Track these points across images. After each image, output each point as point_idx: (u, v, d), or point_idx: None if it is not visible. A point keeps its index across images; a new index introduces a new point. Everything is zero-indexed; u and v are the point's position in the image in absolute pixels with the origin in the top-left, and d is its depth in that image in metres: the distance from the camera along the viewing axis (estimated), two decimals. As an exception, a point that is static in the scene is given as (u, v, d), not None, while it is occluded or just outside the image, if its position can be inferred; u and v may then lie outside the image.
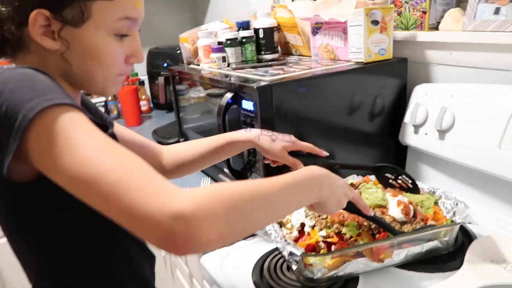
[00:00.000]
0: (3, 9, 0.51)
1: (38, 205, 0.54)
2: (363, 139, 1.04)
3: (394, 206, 0.74)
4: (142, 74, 2.07)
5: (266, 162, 0.84)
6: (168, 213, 0.39)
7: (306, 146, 0.80)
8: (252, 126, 0.90)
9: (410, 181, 0.77)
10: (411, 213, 0.74)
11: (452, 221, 0.74)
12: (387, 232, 0.71)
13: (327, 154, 0.81)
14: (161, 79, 1.88)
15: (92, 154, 0.42)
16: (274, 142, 0.78)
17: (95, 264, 0.59)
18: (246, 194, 0.45)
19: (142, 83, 2.03)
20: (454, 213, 0.75)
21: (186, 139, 1.32)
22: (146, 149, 0.83)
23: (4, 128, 0.44)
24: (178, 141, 1.35)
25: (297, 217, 0.76)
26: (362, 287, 0.69)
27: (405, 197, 0.77)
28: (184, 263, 1.14)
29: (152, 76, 2.00)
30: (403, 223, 0.72)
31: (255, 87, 0.85)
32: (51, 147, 0.43)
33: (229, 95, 0.94)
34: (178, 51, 1.86)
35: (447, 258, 0.74)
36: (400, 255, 0.71)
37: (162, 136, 1.40)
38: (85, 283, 0.59)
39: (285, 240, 0.70)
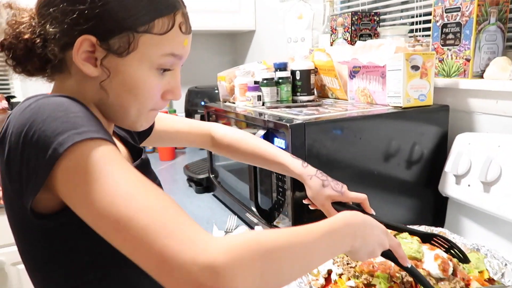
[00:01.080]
0: (51, 29, 0.50)
1: (64, 236, 0.52)
2: (399, 188, 0.98)
3: (431, 260, 0.68)
4: (180, 111, 2.13)
5: (306, 202, 0.80)
6: (201, 264, 0.36)
7: (356, 197, 0.76)
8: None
9: (461, 255, 0.68)
10: (450, 270, 0.67)
11: (501, 284, 0.66)
12: (423, 289, 0.64)
13: (374, 213, 0.76)
14: (197, 117, 1.93)
15: (122, 193, 0.40)
16: (324, 188, 0.75)
17: None
18: (284, 246, 0.42)
19: (178, 119, 2.09)
20: (502, 275, 0.67)
21: (217, 176, 1.31)
22: (194, 130, 0.88)
23: (34, 159, 0.43)
24: (208, 177, 1.34)
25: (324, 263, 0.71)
26: None
27: (444, 253, 0.70)
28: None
29: (189, 114, 2.05)
30: (439, 279, 0.65)
31: (288, 125, 0.83)
32: (79, 183, 0.41)
33: (261, 132, 0.93)
34: (216, 91, 1.91)
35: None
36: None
37: (193, 172, 1.40)
38: None
39: (310, 286, 0.65)
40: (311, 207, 0.80)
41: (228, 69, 1.29)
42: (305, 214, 0.87)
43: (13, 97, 1.96)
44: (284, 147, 0.86)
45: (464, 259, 0.68)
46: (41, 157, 0.42)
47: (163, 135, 0.86)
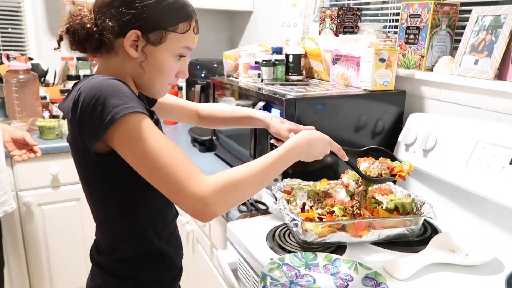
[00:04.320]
0: (110, 23, 0.72)
1: (113, 168, 0.75)
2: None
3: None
4: (181, 81, 2.36)
5: (271, 141, 1.06)
6: (197, 197, 0.64)
7: (308, 127, 0.98)
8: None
9: (390, 157, 1.01)
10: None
11: (416, 214, 0.97)
12: (365, 215, 0.95)
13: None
14: (197, 87, 2.16)
15: (156, 149, 0.66)
16: (283, 123, 0.98)
17: (143, 211, 0.83)
18: (247, 176, 0.71)
19: (180, 88, 2.33)
20: (420, 209, 0.98)
21: (218, 138, 1.58)
22: (183, 107, 1.10)
23: (97, 121, 0.66)
24: (211, 139, 1.62)
25: (301, 198, 1.01)
26: (347, 253, 0.92)
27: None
28: (207, 237, 1.39)
29: (189, 84, 2.28)
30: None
31: (283, 98, 1.11)
32: (128, 142, 0.66)
33: (261, 103, 1.20)
34: (215, 65, 2.15)
35: (417, 244, 0.97)
36: (374, 234, 0.94)
37: (198, 133, 1.67)
38: (136, 220, 0.83)
39: (291, 211, 0.94)
40: (277, 144, 1.04)
41: (233, 49, 1.54)
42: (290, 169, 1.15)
43: (31, 58, 2.15)
44: (279, 116, 1.14)
45: (392, 158, 1.00)
46: (103, 120, 0.65)
47: (163, 106, 1.06)
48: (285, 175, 1.15)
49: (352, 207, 0.96)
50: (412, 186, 1.25)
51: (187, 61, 0.84)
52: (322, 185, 1.10)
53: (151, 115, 0.75)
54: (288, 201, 1.02)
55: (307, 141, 0.83)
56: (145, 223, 0.83)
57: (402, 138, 1.22)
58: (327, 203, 0.98)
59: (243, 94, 1.37)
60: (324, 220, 0.94)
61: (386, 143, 1.29)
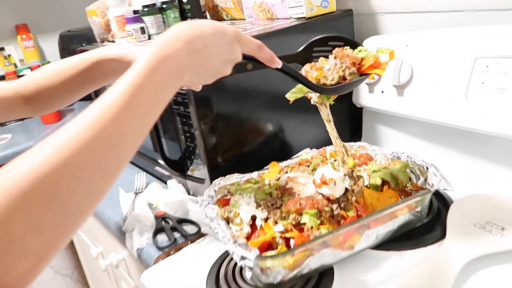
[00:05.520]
0: None
1: None
2: (313, 106, 0.92)
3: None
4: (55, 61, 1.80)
5: None
6: None
7: None
8: (186, 106, 0.74)
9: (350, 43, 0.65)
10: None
11: (425, 189, 0.64)
12: (355, 216, 0.60)
13: None
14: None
15: None
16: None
17: None
18: (56, 172, 0.32)
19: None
20: (425, 180, 0.65)
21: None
22: None
23: None
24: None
25: (246, 208, 0.63)
26: (339, 278, 0.58)
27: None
28: (128, 275, 0.99)
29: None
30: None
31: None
32: None
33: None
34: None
35: (426, 229, 0.65)
36: (370, 236, 0.60)
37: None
38: None
39: (235, 241, 0.56)
40: None
41: (97, 1, 1.05)
42: (219, 156, 0.76)
43: None
44: (184, 91, 0.72)
45: (353, 45, 0.64)
46: None
47: None
48: (212, 170, 0.76)
49: (331, 204, 0.60)
50: (386, 137, 0.92)
51: None
52: (273, 174, 0.73)
53: None
54: (228, 220, 0.63)
55: (184, 43, 0.42)
56: None
57: (362, 76, 0.87)
58: (289, 208, 0.60)
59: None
60: (293, 243, 0.57)
61: (341, 88, 0.94)
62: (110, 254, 0.97)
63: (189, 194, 0.84)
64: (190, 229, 0.75)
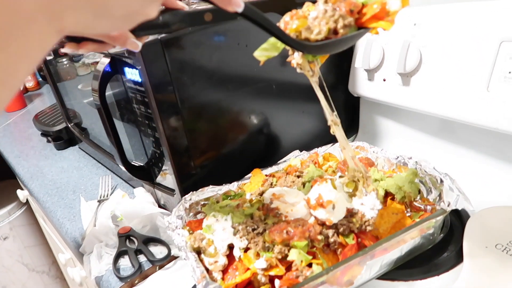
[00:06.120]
0: None
1: None
2: (304, 95, 0.79)
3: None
4: None
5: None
6: None
7: None
8: (145, 105, 0.61)
9: None
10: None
11: (440, 209, 0.52)
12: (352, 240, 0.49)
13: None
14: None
15: None
16: None
17: None
18: None
19: None
20: (439, 196, 0.53)
21: (80, 122, 0.99)
22: None
23: None
24: (67, 128, 1.02)
25: (222, 236, 0.51)
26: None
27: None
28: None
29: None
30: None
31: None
32: None
33: (105, 61, 0.63)
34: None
35: (438, 250, 0.55)
36: (372, 267, 0.49)
37: (46, 123, 1.06)
38: None
39: (206, 282, 0.45)
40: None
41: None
42: (192, 161, 0.64)
43: None
44: (140, 80, 0.58)
45: None
46: None
47: None
48: (183, 180, 0.64)
49: (326, 230, 0.49)
50: (387, 131, 0.80)
51: None
52: (255, 186, 0.61)
53: None
54: (199, 251, 0.52)
55: None
56: None
57: (361, 61, 0.74)
58: (273, 237, 0.49)
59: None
60: (278, 285, 0.46)
61: (335, 73, 0.81)
62: (78, 264, 0.86)
63: (159, 205, 0.72)
64: (158, 251, 0.63)
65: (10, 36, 0.25)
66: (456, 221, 0.59)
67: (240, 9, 0.37)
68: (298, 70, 0.47)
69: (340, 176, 0.53)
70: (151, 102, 0.57)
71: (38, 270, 1.53)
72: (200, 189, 0.60)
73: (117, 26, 0.31)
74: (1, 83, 0.25)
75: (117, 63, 0.62)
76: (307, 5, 0.45)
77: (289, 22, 0.44)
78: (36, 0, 0.25)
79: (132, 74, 0.60)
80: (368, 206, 0.50)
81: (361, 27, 0.44)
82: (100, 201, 0.78)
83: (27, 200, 1.35)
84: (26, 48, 0.26)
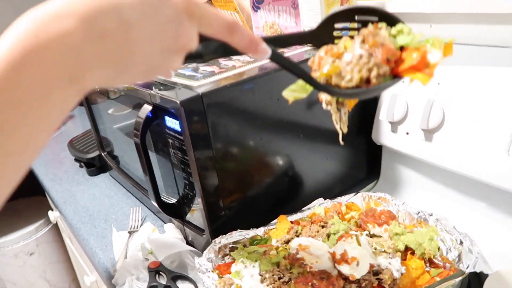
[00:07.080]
0: None
1: None
2: (329, 140, 0.82)
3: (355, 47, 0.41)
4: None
5: None
6: None
7: None
8: (182, 152, 0.65)
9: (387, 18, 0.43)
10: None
11: (458, 270, 0.55)
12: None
13: None
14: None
15: None
16: None
17: None
18: None
19: None
20: (459, 257, 0.56)
21: (112, 150, 1.05)
22: None
23: None
24: (100, 156, 1.08)
25: (250, 282, 0.55)
26: None
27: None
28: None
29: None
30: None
31: (178, 101, 0.59)
32: None
33: (148, 108, 0.68)
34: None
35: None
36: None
37: (80, 149, 1.12)
38: None
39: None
40: None
41: None
42: (221, 203, 0.68)
43: None
44: (179, 129, 0.63)
45: (391, 20, 0.43)
46: None
47: None
48: (213, 222, 0.68)
49: (349, 284, 0.52)
50: (408, 182, 0.83)
51: None
52: (281, 232, 0.65)
53: None
54: (227, 296, 0.55)
55: (80, 21, 0.25)
56: None
57: (385, 113, 0.77)
58: (298, 287, 0.52)
59: (123, 98, 0.83)
60: None
61: (359, 122, 0.85)
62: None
63: (187, 242, 0.76)
64: (186, 288, 0.67)
65: (31, 110, 0.25)
66: (473, 280, 0.61)
67: (267, 55, 0.39)
68: (324, 106, 0.48)
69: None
70: (188, 151, 0.62)
71: (59, 286, 1.58)
72: (228, 233, 0.64)
73: (138, 80, 0.31)
74: (22, 151, 0.25)
75: (158, 111, 0.68)
76: (344, 40, 0.43)
77: (323, 58, 0.43)
78: (59, 65, 0.25)
79: (172, 123, 0.65)
80: (395, 266, 0.53)
81: (396, 75, 0.41)
82: (130, 232, 0.82)
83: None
84: (48, 115, 0.26)
